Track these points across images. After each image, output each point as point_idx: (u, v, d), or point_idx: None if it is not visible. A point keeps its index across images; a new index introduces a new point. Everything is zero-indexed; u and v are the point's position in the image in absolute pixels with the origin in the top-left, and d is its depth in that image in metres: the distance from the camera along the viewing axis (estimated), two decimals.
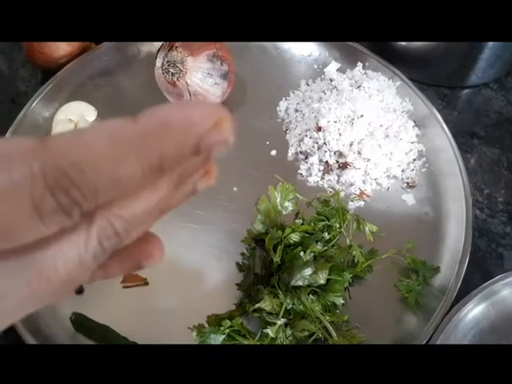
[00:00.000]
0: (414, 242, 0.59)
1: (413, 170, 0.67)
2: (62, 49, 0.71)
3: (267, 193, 0.56)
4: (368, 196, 0.65)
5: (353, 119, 0.65)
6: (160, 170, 0.21)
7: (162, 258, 0.26)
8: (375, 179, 0.66)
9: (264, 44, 0.77)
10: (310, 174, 0.66)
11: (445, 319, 0.54)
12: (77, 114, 0.68)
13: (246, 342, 0.52)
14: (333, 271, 0.55)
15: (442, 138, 0.67)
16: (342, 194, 0.63)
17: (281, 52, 0.77)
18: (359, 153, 0.65)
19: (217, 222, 0.62)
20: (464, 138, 0.72)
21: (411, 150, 0.68)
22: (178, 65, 0.64)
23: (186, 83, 0.65)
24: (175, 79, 0.65)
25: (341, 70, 0.74)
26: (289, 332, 0.52)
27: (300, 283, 0.53)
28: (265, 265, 0.55)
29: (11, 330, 0.52)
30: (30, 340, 0.52)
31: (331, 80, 0.72)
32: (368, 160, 0.65)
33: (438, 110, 0.70)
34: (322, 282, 0.53)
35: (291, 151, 0.68)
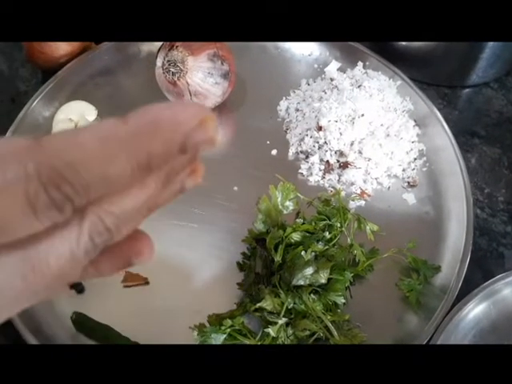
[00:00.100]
0: (415, 242, 0.59)
1: (413, 169, 0.67)
2: (62, 48, 0.71)
3: (268, 192, 0.56)
4: (369, 195, 0.65)
5: (353, 118, 0.65)
6: (148, 168, 0.22)
7: (151, 255, 0.27)
8: (376, 178, 0.66)
9: (264, 44, 0.77)
10: (311, 174, 0.66)
11: (446, 318, 0.54)
12: (77, 114, 0.68)
13: (247, 342, 0.52)
14: (334, 270, 0.55)
15: (443, 138, 0.67)
16: (342, 194, 0.63)
17: (281, 51, 0.77)
18: (360, 152, 0.65)
19: (217, 222, 0.62)
20: (465, 137, 0.72)
21: (412, 150, 0.68)
22: (179, 64, 0.64)
23: (187, 83, 0.65)
24: (176, 79, 0.64)
25: (341, 70, 0.74)
26: (290, 331, 0.52)
27: (301, 282, 0.53)
28: (266, 264, 0.55)
29: (11, 330, 0.52)
30: (30, 340, 0.52)
31: (332, 79, 0.72)
32: (369, 159, 0.65)
33: (439, 110, 0.70)
34: (323, 281, 0.53)
35: (292, 151, 0.68)
